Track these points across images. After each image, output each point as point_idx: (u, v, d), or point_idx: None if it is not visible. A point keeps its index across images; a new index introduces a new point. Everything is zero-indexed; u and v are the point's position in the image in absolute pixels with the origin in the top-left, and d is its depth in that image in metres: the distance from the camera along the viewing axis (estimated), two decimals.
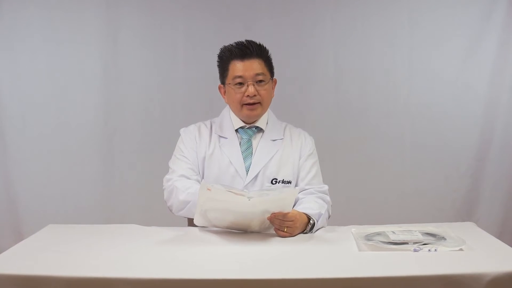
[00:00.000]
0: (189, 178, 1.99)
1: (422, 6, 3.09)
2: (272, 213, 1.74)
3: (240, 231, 1.83)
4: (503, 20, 3.02)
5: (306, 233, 1.82)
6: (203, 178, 2.03)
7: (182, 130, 2.12)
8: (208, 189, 1.70)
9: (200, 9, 3.11)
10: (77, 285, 1.35)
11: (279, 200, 1.74)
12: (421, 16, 3.09)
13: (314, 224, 1.84)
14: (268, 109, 2.10)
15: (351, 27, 3.12)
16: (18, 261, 1.49)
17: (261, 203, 1.72)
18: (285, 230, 1.76)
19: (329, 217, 1.99)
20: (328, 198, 2.01)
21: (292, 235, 1.78)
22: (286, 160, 2.04)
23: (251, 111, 2.01)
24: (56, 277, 1.36)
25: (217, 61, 2.05)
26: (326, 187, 2.04)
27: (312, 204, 1.91)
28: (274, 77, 2.08)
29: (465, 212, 3.14)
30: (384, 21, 3.11)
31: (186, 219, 2.10)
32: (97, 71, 3.10)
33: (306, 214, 1.83)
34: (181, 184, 1.95)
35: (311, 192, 2.00)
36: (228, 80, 2.00)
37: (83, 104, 3.10)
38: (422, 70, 3.12)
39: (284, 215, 1.74)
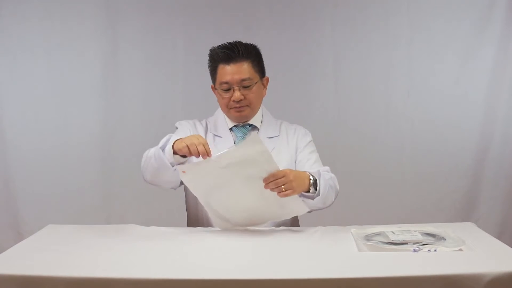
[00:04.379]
0: None
1: (422, 8, 3.09)
2: (263, 181, 1.71)
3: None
4: (503, 21, 3.03)
5: (312, 193, 1.79)
6: None
7: (178, 123, 2.11)
8: (183, 171, 1.71)
9: (200, 10, 3.11)
10: (77, 285, 1.35)
11: (258, 163, 1.70)
12: (421, 18, 3.10)
13: (316, 181, 1.81)
14: (263, 107, 2.10)
15: (351, 28, 3.13)
16: (18, 261, 1.49)
17: (233, 165, 1.69)
18: (284, 188, 1.72)
19: (337, 192, 1.94)
20: (332, 174, 1.95)
21: (294, 191, 1.74)
22: (283, 157, 2.03)
23: (239, 113, 2.00)
24: (56, 277, 1.35)
25: (208, 62, 2.04)
26: (327, 167, 1.99)
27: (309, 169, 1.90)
28: (266, 76, 2.06)
29: (465, 212, 3.14)
30: (384, 22, 3.11)
31: (186, 219, 2.10)
32: (97, 71, 3.10)
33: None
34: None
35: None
36: (216, 84, 2.00)
37: (83, 104, 3.11)
38: (422, 71, 3.12)
39: (273, 174, 1.71)
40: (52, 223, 1.95)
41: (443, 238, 1.63)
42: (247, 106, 2.00)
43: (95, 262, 1.49)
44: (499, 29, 3.03)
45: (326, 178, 1.87)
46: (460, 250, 1.54)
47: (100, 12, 3.07)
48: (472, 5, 3.06)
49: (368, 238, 1.66)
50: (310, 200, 1.83)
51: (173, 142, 1.78)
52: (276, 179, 1.71)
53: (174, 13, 3.10)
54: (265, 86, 2.07)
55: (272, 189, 1.72)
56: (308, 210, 1.82)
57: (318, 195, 1.82)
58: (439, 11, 3.08)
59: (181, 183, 1.91)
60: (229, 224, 1.84)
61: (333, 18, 3.12)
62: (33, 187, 3.09)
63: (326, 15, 3.12)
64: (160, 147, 1.83)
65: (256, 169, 1.71)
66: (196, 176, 1.74)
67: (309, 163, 2.02)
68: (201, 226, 1.98)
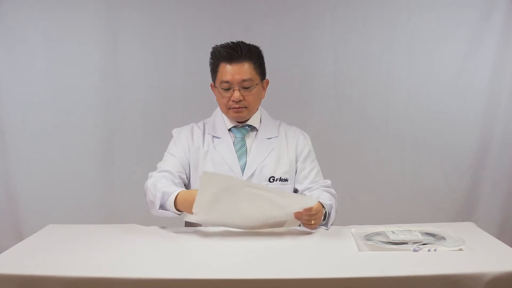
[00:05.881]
0: (171, 174, 1.97)
1: (422, 6, 3.09)
2: (301, 211, 1.73)
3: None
4: (503, 20, 3.03)
5: (324, 225, 1.84)
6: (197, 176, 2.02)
7: (174, 131, 2.12)
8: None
9: (199, 10, 3.11)
10: (77, 285, 1.35)
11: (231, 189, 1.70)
12: (421, 16, 3.10)
13: (326, 213, 1.83)
14: (261, 108, 2.11)
15: (351, 27, 3.13)
16: (18, 261, 1.49)
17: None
18: (313, 222, 1.76)
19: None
20: (333, 191, 2.02)
21: (317, 225, 1.79)
22: (282, 158, 2.04)
23: (237, 114, 2.01)
24: (56, 277, 1.35)
25: (209, 60, 2.04)
26: (329, 182, 2.05)
27: (324, 195, 1.94)
28: (266, 78, 2.07)
29: (465, 212, 3.14)
30: (384, 21, 3.11)
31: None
32: (97, 71, 3.10)
33: (321, 204, 1.83)
34: (150, 183, 1.94)
35: (317, 188, 2.01)
36: (217, 83, 2.01)
37: (83, 104, 3.10)
38: (422, 70, 3.12)
39: (310, 209, 1.73)
40: (52, 223, 1.96)
41: (443, 238, 1.63)
42: (245, 107, 2.00)
43: (95, 262, 1.49)
44: (499, 28, 3.03)
45: (331, 202, 1.91)
46: (460, 249, 1.54)
47: (100, 12, 3.07)
48: (472, 3, 3.05)
49: (368, 237, 1.66)
50: None
51: (174, 197, 1.81)
52: (312, 214, 1.74)
53: (174, 13, 3.10)
54: (264, 89, 2.08)
55: (303, 221, 1.75)
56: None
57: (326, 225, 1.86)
58: (439, 9, 3.08)
59: None
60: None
61: (333, 18, 3.12)
62: (33, 187, 3.08)
63: (326, 15, 3.12)
64: (160, 206, 1.86)
65: (234, 193, 1.69)
66: (200, 218, 1.76)
67: (312, 174, 2.06)
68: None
